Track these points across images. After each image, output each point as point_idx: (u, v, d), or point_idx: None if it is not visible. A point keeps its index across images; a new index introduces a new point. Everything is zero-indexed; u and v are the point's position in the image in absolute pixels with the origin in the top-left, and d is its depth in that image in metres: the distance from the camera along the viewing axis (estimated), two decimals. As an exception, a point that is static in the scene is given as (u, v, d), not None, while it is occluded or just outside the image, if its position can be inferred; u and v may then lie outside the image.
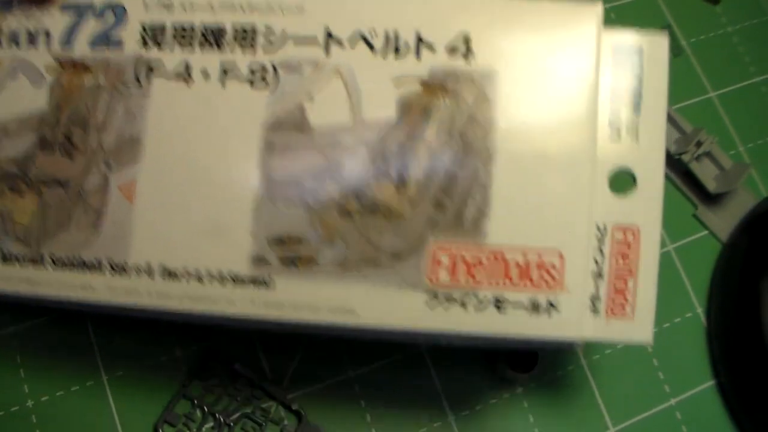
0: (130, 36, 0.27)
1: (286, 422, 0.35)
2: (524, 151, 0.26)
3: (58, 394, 0.34)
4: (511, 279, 0.25)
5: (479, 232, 0.26)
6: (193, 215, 0.26)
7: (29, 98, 0.27)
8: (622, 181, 0.27)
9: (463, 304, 0.25)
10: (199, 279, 0.26)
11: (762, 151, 0.43)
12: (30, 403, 0.34)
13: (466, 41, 0.26)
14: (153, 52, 0.27)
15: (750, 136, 0.43)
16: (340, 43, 0.27)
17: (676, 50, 0.44)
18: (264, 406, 0.35)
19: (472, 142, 0.26)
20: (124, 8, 0.27)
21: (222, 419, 0.34)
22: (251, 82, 0.27)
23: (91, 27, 0.28)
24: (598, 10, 0.27)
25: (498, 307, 0.25)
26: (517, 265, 0.25)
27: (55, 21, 0.28)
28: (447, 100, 0.26)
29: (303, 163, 0.26)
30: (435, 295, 0.25)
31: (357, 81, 0.26)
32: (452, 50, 0.26)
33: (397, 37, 0.27)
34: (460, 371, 0.37)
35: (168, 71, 0.27)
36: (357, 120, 0.26)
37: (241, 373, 0.35)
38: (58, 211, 0.27)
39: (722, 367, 0.38)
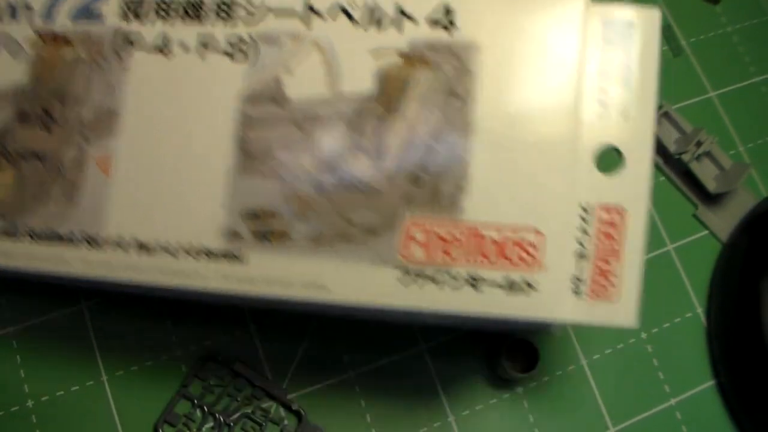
0: (110, 9, 0.27)
1: (286, 422, 0.35)
2: (505, 126, 0.25)
3: (58, 394, 0.34)
4: (487, 257, 0.25)
5: (456, 209, 0.25)
6: (167, 189, 0.26)
7: (9, 71, 0.27)
8: (611, 160, 0.26)
9: (438, 282, 0.25)
10: (173, 253, 0.26)
11: (762, 151, 0.43)
12: (30, 403, 0.34)
13: (448, 13, 0.26)
14: (133, 25, 0.27)
15: (750, 136, 0.43)
16: (320, 15, 0.26)
17: (676, 50, 0.44)
18: (264, 406, 0.35)
19: (451, 116, 0.25)
20: None
21: (222, 419, 0.34)
22: (230, 55, 0.26)
23: (72, 0, 0.27)
24: None
25: (473, 285, 0.25)
26: (494, 242, 0.25)
27: None
28: (427, 72, 0.26)
29: (278, 136, 0.26)
30: (409, 272, 0.25)
31: (336, 53, 0.26)
32: (434, 22, 0.26)
33: (378, 9, 0.26)
34: (460, 371, 0.37)
35: (147, 44, 0.27)
36: (335, 93, 0.26)
37: (241, 373, 0.35)
38: (35, 185, 0.27)
39: (722, 367, 0.38)
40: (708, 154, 0.41)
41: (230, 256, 0.26)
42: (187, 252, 0.26)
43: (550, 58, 0.25)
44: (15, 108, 0.27)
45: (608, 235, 0.25)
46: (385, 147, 0.25)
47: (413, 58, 0.26)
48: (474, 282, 0.25)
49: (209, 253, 0.26)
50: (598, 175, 0.26)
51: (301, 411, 0.35)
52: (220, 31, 0.27)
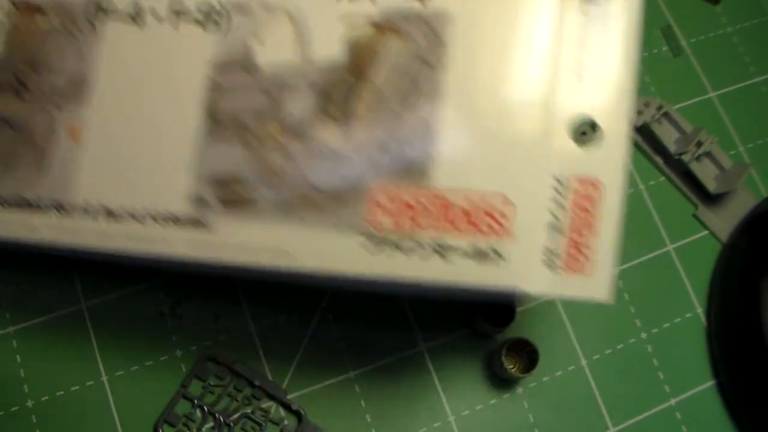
0: None
1: (286, 422, 0.35)
2: (476, 95, 0.25)
3: (58, 394, 0.34)
4: (455, 225, 0.24)
5: (424, 176, 0.25)
6: (136, 156, 0.26)
7: None
8: (588, 133, 0.25)
9: (404, 250, 0.24)
10: (140, 219, 0.26)
11: (762, 151, 0.43)
12: (30, 403, 0.34)
13: None
14: None
15: (750, 136, 0.43)
16: None
17: (676, 50, 0.44)
18: (264, 406, 0.35)
19: (422, 84, 0.25)
20: None
21: (222, 419, 0.34)
22: (202, 24, 0.26)
23: None
24: None
25: (441, 254, 0.24)
26: (463, 210, 0.24)
27: None
28: (398, 42, 0.25)
29: (247, 104, 0.26)
30: (375, 240, 0.25)
31: (307, 23, 0.26)
32: None
33: None
34: (460, 371, 0.37)
35: (120, 13, 0.27)
36: (305, 61, 0.26)
37: (241, 373, 0.35)
38: (5, 152, 0.27)
39: (722, 367, 0.38)
40: (708, 154, 0.41)
41: (197, 223, 0.26)
42: (154, 218, 0.26)
43: (524, 28, 0.25)
44: None
45: (583, 208, 0.25)
46: (354, 115, 0.25)
47: (384, 27, 0.26)
48: (441, 250, 0.24)
49: (176, 220, 0.26)
50: (574, 147, 0.25)
51: (301, 411, 0.35)
52: (191, 0, 0.27)
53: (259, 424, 0.34)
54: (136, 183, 0.26)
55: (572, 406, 0.37)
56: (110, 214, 0.26)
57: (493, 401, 0.36)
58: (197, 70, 0.26)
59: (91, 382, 0.35)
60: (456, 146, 0.25)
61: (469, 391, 0.36)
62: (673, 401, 0.37)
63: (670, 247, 0.40)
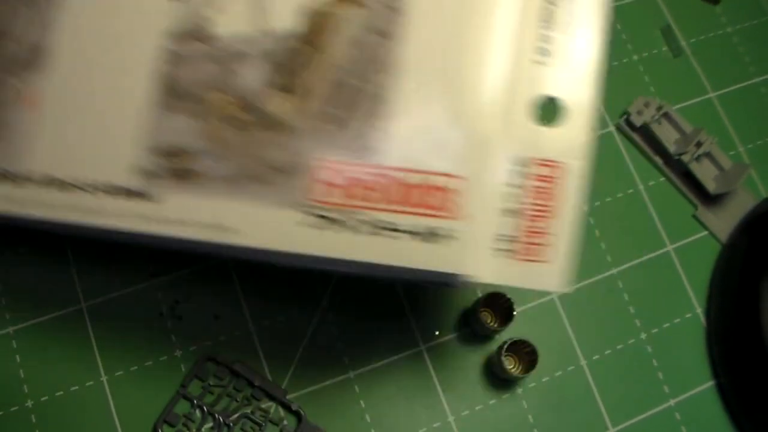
0: None
1: (285, 422, 0.35)
2: (434, 70, 0.24)
3: (57, 394, 0.34)
4: (403, 203, 0.23)
5: (374, 152, 0.24)
6: (89, 126, 0.26)
7: None
8: (551, 112, 0.24)
9: (347, 227, 0.24)
10: (90, 191, 0.25)
11: (762, 151, 0.43)
12: (30, 403, 0.34)
13: None
14: None
15: (750, 136, 0.43)
16: None
17: (676, 50, 0.44)
18: (263, 406, 0.35)
19: (379, 57, 0.24)
20: None
21: (221, 419, 0.34)
22: None
23: None
24: None
25: (386, 233, 0.23)
26: (412, 188, 0.23)
27: None
28: (356, 11, 0.25)
29: (201, 74, 0.25)
30: (319, 217, 0.24)
31: None
32: None
33: None
34: (460, 371, 0.37)
35: None
36: (263, 31, 0.25)
37: (240, 373, 0.35)
38: None
39: (722, 367, 0.38)
40: (708, 154, 0.41)
41: (144, 195, 0.25)
42: (104, 190, 0.25)
43: (487, 3, 0.24)
44: None
45: (543, 191, 0.24)
46: (308, 87, 0.25)
47: None
48: (387, 229, 0.23)
49: (124, 192, 0.25)
50: (536, 128, 0.24)
51: (301, 411, 0.35)
52: None
53: (259, 425, 0.34)
54: (87, 154, 0.26)
55: (572, 406, 0.37)
56: (61, 184, 0.26)
57: (492, 401, 0.36)
58: (155, 38, 0.26)
59: (91, 383, 0.35)
60: (409, 122, 0.24)
61: (468, 392, 0.36)
62: (672, 402, 0.37)
63: (669, 248, 0.40)
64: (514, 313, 0.35)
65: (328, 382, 0.36)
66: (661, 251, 0.40)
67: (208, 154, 0.25)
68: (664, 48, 0.44)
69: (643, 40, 0.44)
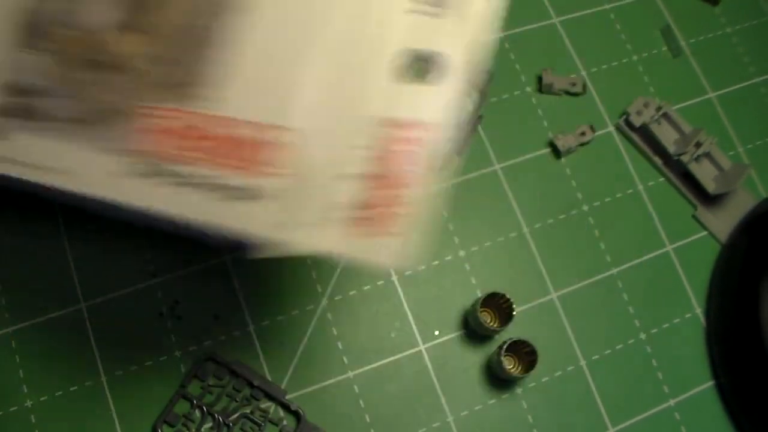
0: None
1: (285, 422, 0.35)
2: (291, 16, 0.22)
3: (57, 394, 0.34)
4: (227, 156, 0.22)
5: (204, 99, 0.22)
6: None
7: None
8: (419, 71, 0.22)
9: (165, 177, 0.22)
10: None
11: (761, 151, 0.43)
12: (29, 403, 0.34)
13: None
14: None
15: (749, 136, 0.43)
16: None
17: (675, 51, 0.44)
18: (263, 406, 0.35)
19: (224, 1, 0.22)
20: None
21: (221, 419, 0.34)
22: None
23: None
24: None
25: (203, 187, 0.22)
26: (237, 141, 0.22)
27: None
28: None
29: (50, 9, 0.24)
30: (140, 165, 0.22)
31: None
32: None
33: None
34: (460, 371, 0.37)
35: None
36: None
37: (240, 373, 0.35)
38: None
39: (721, 367, 0.38)
40: (707, 154, 0.41)
41: None
42: None
43: None
44: None
45: (398, 156, 0.21)
46: (158, 27, 0.23)
47: None
48: (208, 183, 0.22)
49: None
50: (398, 86, 0.22)
51: (300, 411, 0.35)
52: None
53: (258, 425, 0.34)
54: None
55: (571, 406, 0.37)
56: None
57: (492, 401, 0.36)
58: None
59: (90, 383, 0.35)
60: (250, 70, 0.22)
61: (468, 392, 0.36)
62: (672, 402, 0.37)
63: (669, 248, 0.40)
64: (514, 313, 0.35)
65: (327, 382, 0.36)
66: (661, 251, 0.40)
67: (52, 93, 0.23)
68: (664, 48, 0.44)
69: (642, 41, 0.44)
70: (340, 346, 0.36)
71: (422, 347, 0.37)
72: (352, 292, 0.37)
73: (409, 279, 0.38)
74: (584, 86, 0.42)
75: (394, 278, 0.38)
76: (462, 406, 0.36)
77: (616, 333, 0.38)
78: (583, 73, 0.43)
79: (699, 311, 0.39)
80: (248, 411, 0.34)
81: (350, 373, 0.36)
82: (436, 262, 0.38)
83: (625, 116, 0.42)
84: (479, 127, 0.41)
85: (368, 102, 0.22)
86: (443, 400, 0.36)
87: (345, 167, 0.21)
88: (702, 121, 0.42)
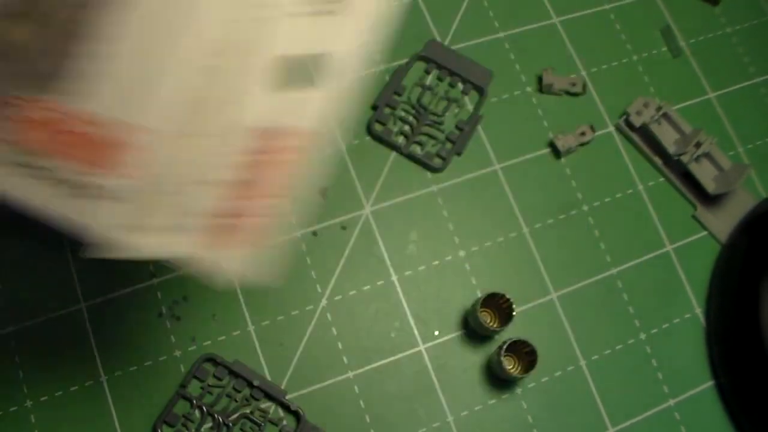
0: None
1: (285, 422, 0.35)
2: (153, 17, 0.21)
3: (56, 394, 0.34)
4: (80, 152, 0.20)
5: (67, 93, 0.21)
6: None
7: None
8: (295, 77, 0.21)
9: (20, 167, 0.21)
10: None
11: (761, 151, 0.43)
12: (29, 403, 0.34)
13: None
14: None
15: (749, 136, 0.43)
16: None
17: (675, 51, 0.44)
18: (263, 406, 0.35)
19: None
20: None
21: (221, 419, 0.34)
22: None
23: None
24: None
25: (51, 180, 0.21)
26: (94, 139, 0.20)
27: None
28: None
29: None
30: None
31: None
32: None
33: None
34: (459, 372, 0.37)
35: None
36: None
37: (239, 374, 0.35)
38: None
39: (721, 367, 0.38)
40: (707, 155, 0.41)
41: None
42: None
43: None
44: None
45: (267, 165, 0.20)
46: (45, 17, 0.21)
47: None
48: (56, 176, 0.21)
49: None
50: (274, 93, 0.21)
51: (300, 411, 0.35)
52: None
53: (258, 425, 0.34)
54: None
55: (571, 406, 0.37)
56: None
57: (492, 402, 0.36)
58: None
59: (90, 383, 0.35)
60: (118, 69, 0.21)
61: (468, 392, 0.36)
62: (672, 402, 0.37)
63: (669, 248, 0.40)
64: (514, 313, 0.35)
65: (327, 382, 0.36)
66: (661, 251, 0.40)
67: None
68: (664, 48, 0.44)
69: (642, 41, 0.44)
70: (340, 346, 0.36)
71: (422, 347, 0.37)
72: (352, 292, 0.37)
73: (409, 279, 0.38)
74: (584, 86, 0.42)
75: (394, 278, 0.38)
76: (462, 406, 0.36)
77: (615, 333, 0.38)
78: (583, 73, 0.43)
79: (699, 311, 0.39)
80: (248, 411, 0.34)
81: (350, 373, 0.36)
82: (436, 262, 0.38)
83: (625, 116, 0.42)
84: (479, 127, 0.41)
85: (239, 108, 0.21)
86: (443, 400, 0.36)
87: (208, 173, 0.21)
88: (702, 121, 0.42)
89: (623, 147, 0.42)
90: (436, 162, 0.40)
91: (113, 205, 0.20)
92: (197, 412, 0.34)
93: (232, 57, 0.21)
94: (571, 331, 0.38)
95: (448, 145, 0.40)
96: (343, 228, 0.38)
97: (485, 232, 0.39)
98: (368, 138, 0.40)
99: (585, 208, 0.40)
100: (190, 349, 0.36)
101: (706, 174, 0.40)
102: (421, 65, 0.42)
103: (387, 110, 0.40)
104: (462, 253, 0.39)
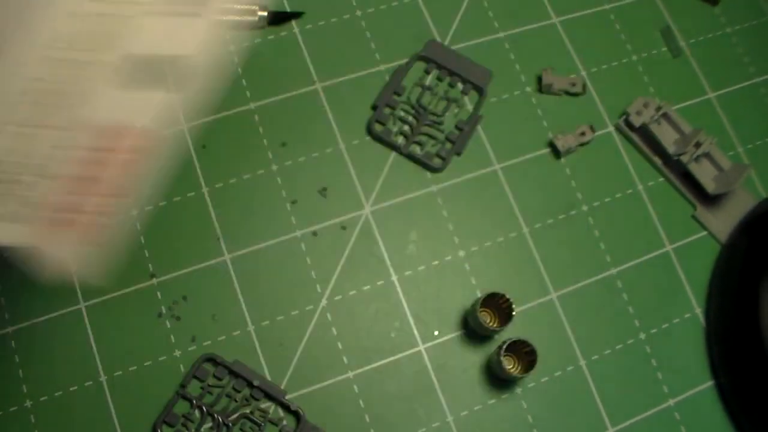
0: None
1: (285, 422, 0.35)
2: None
3: (56, 394, 0.34)
4: None
5: None
6: None
7: None
8: (141, 74, 0.21)
9: None
10: None
11: (761, 151, 0.43)
12: (29, 403, 0.34)
13: None
14: None
15: (749, 136, 0.43)
16: None
17: (675, 51, 0.44)
18: (263, 406, 0.35)
19: None
20: None
21: (221, 419, 0.34)
22: None
23: None
24: None
25: None
26: None
27: None
28: None
29: None
30: None
31: None
32: None
33: None
34: (459, 371, 0.37)
35: None
36: None
37: (239, 374, 0.35)
38: None
39: (721, 367, 0.38)
40: (707, 155, 0.41)
41: None
42: None
43: None
44: None
45: (109, 163, 0.20)
46: None
47: None
48: None
49: None
50: (121, 91, 0.20)
51: (300, 411, 0.35)
52: None
53: (258, 425, 0.34)
54: None
55: (571, 406, 0.37)
56: None
57: (491, 401, 0.36)
58: None
59: (90, 383, 0.35)
60: None
61: (467, 392, 0.36)
62: (671, 402, 0.37)
63: (669, 248, 0.40)
64: (514, 313, 0.35)
65: (327, 382, 0.36)
66: (661, 251, 0.40)
67: None
68: (664, 48, 0.44)
69: (642, 41, 0.44)
70: (340, 346, 0.36)
71: (422, 347, 0.37)
72: (351, 292, 0.37)
73: (409, 279, 0.38)
74: (584, 86, 0.42)
75: (394, 278, 0.38)
76: (462, 406, 0.36)
77: (615, 333, 0.38)
78: (583, 73, 0.43)
79: (699, 311, 0.39)
80: (248, 411, 0.34)
81: (350, 373, 0.36)
82: (436, 262, 0.38)
83: (624, 116, 0.42)
84: (479, 127, 0.41)
85: (85, 103, 0.20)
86: (443, 400, 0.36)
87: (49, 166, 0.20)
88: (702, 121, 0.42)
89: (623, 147, 0.42)
90: (436, 162, 0.40)
91: None
92: (197, 412, 0.34)
93: (83, 51, 0.20)
94: (570, 331, 0.38)
95: (448, 145, 0.40)
96: (343, 228, 0.38)
97: (485, 232, 0.39)
98: (368, 138, 0.40)
99: (585, 208, 0.40)
100: (190, 349, 0.36)
101: (705, 174, 0.40)
102: (420, 65, 0.42)
103: (387, 110, 0.40)
104: (462, 253, 0.39)
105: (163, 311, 0.36)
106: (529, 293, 0.38)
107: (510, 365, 0.36)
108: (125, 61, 0.20)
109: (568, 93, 0.42)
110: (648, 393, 0.37)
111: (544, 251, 0.39)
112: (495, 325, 0.36)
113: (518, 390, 0.37)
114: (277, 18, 0.41)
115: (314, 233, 0.38)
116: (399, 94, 0.41)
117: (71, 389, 0.34)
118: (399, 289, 0.38)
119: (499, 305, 0.36)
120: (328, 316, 0.37)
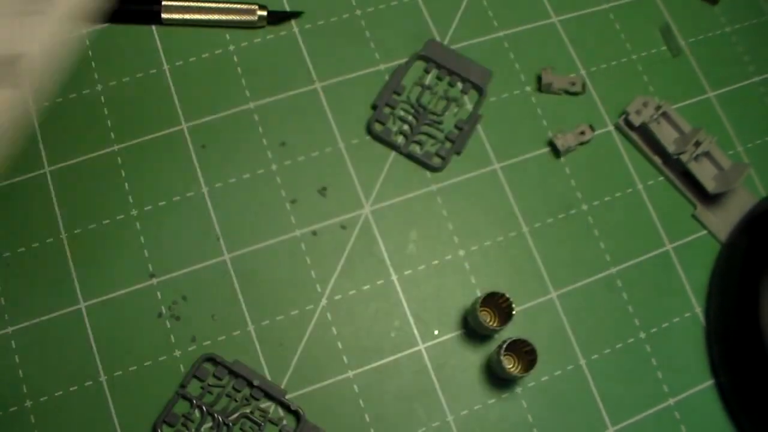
0: None
1: (285, 422, 0.35)
2: None
3: (56, 394, 0.34)
4: None
5: None
6: None
7: None
8: None
9: None
10: None
11: (761, 150, 0.43)
12: (28, 403, 0.34)
13: None
14: None
15: (749, 135, 0.43)
16: None
17: (675, 50, 0.44)
18: (263, 406, 0.35)
19: None
20: None
21: (221, 419, 0.34)
22: None
23: None
24: None
25: None
26: None
27: None
28: None
29: None
30: None
31: None
32: None
33: None
34: (460, 371, 0.37)
35: None
36: None
37: (239, 374, 0.35)
38: None
39: (721, 367, 0.38)
40: (707, 154, 0.41)
41: None
42: None
43: None
44: None
45: None
46: None
47: None
48: None
49: None
50: None
51: (300, 411, 0.35)
52: None
53: (258, 424, 0.34)
54: None
55: (571, 405, 0.37)
56: None
57: (491, 401, 0.36)
58: None
59: (90, 383, 0.35)
60: None
61: (467, 391, 0.36)
62: (671, 401, 0.37)
63: (668, 247, 0.40)
64: (514, 312, 0.35)
65: (327, 382, 0.36)
66: (660, 251, 0.40)
67: None
68: (663, 48, 0.44)
69: (641, 40, 0.44)
70: (340, 346, 0.36)
71: (422, 347, 0.37)
72: (351, 292, 0.37)
73: (409, 278, 0.38)
74: (584, 85, 0.42)
75: (394, 278, 0.38)
76: (462, 405, 0.36)
77: (615, 332, 0.38)
78: (583, 72, 0.43)
79: (699, 311, 0.39)
80: (248, 411, 0.35)
81: (350, 373, 0.36)
82: (436, 262, 0.38)
83: (624, 115, 0.42)
84: (479, 127, 0.41)
85: None
86: (443, 400, 0.36)
87: None
88: (701, 120, 0.42)
89: (623, 146, 0.42)
90: (436, 161, 0.40)
91: None
92: (197, 412, 0.34)
93: None
94: (570, 330, 0.38)
95: (448, 145, 0.40)
96: (343, 227, 0.38)
97: (485, 231, 0.39)
98: (368, 137, 0.40)
99: (584, 207, 0.40)
100: (190, 349, 0.36)
101: (705, 173, 0.40)
102: (420, 65, 0.42)
103: (386, 110, 0.40)
104: (461, 253, 0.39)
105: (163, 311, 0.36)
106: (528, 292, 0.38)
107: (510, 364, 0.36)
108: None
109: (567, 92, 0.42)
110: (648, 392, 0.37)
111: (543, 250, 0.39)
112: (495, 325, 0.36)
113: (518, 389, 0.37)
114: (277, 17, 0.41)
115: (314, 233, 0.38)
116: (399, 94, 0.41)
117: (71, 389, 0.34)
118: (399, 289, 0.38)
119: (498, 304, 0.36)
120: (328, 315, 0.37)
